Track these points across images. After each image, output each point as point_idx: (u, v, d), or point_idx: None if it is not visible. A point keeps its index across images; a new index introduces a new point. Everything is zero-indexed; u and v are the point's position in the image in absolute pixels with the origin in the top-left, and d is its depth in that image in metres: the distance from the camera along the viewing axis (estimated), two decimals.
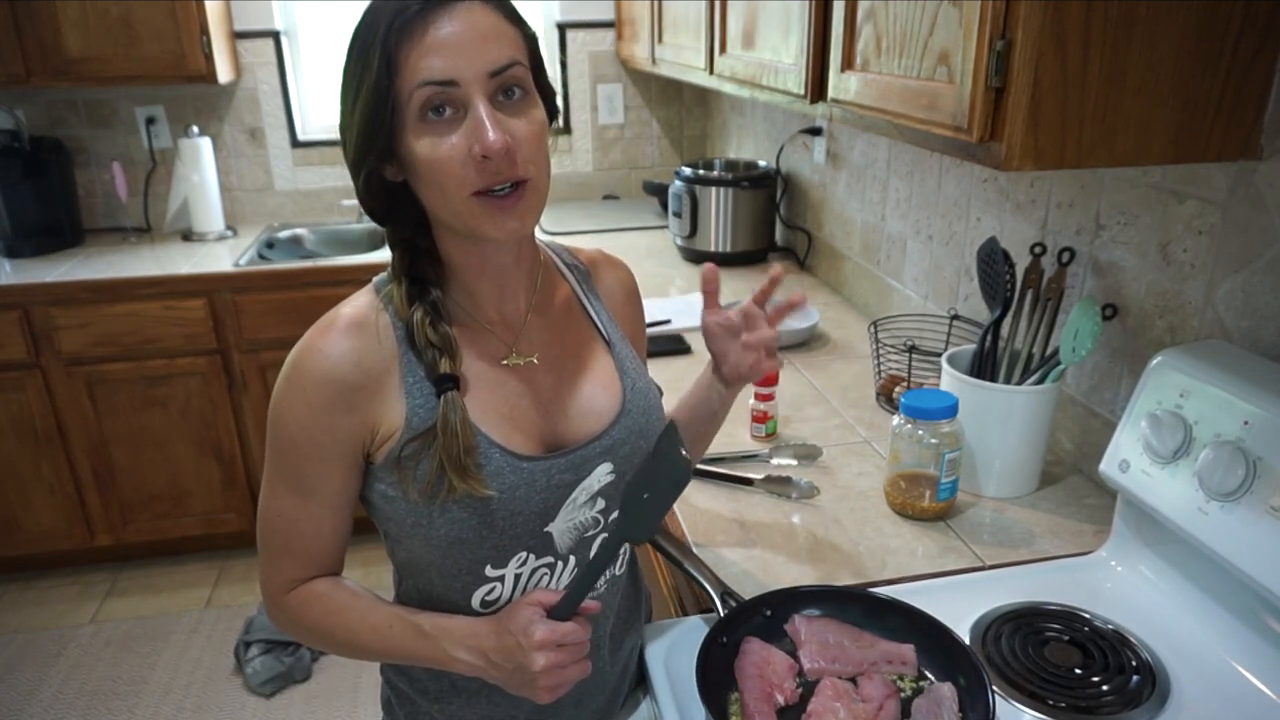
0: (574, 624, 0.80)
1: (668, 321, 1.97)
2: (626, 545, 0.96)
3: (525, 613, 0.81)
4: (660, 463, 0.80)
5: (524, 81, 0.80)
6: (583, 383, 0.93)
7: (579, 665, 0.82)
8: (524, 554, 0.88)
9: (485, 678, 0.85)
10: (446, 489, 0.82)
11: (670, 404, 1.07)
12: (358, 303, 0.86)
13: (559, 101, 0.89)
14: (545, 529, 0.88)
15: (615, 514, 0.93)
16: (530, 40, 0.82)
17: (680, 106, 3.37)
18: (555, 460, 0.88)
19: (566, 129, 3.30)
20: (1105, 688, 0.90)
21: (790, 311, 1.00)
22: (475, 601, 0.89)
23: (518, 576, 0.89)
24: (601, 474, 0.90)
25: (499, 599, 0.90)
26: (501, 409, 0.87)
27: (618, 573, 0.97)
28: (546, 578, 0.90)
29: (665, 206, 2.70)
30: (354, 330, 0.83)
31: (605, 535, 0.92)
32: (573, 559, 0.91)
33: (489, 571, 0.88)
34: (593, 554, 0.91)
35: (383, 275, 0.89)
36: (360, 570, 2.74)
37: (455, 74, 0.75)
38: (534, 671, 0.79)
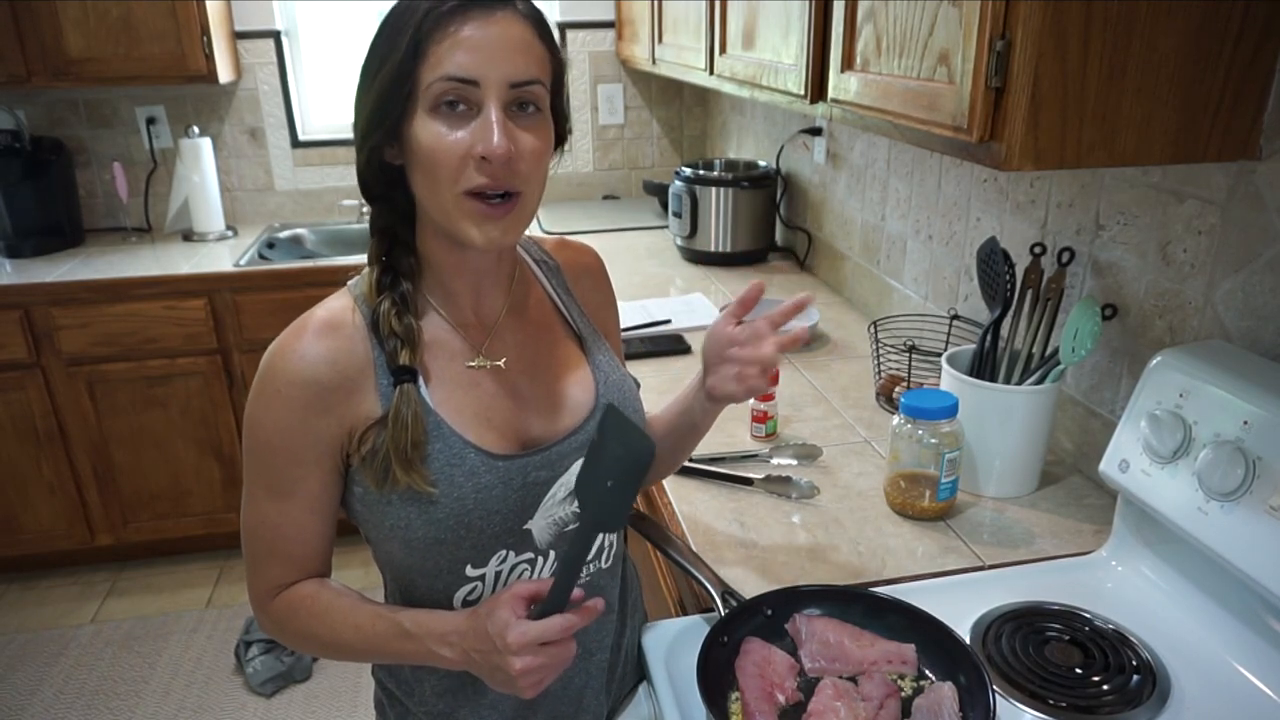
0: (552, 621, 0.76)
1: (668, 321, 1.97)
2: (604, 535, 0.95)
3: (502, 614, 0.78)
4: (614, 448, 0.76)
5: (540, 100, 0.81)
6: (555, 381, 0.94)
7: (561, 651, 0.78)
8: (504, 552, 0.89)
9: (470, 670, 0.83)
10: (390, 481, 0.82)
11: (662, 404, 1.07)
12: (331, 305, 0.86)
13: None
14: (524, 526, 0.89)
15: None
16: (558, 65, 0.84)
17: (680, 106, 3.37)
18: (530, 458, 0.88)
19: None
20: (1105, 687, 0.90)
21: (797, 313, 0.95)
22: (457, 601, 0.90)
23: (498, 574, 0.90)
24: (579, 469, 0.90)
25: (480, 598, 0.90)
26: (476, 409, 0.88)
27: (604, 565, 0.97)
28: (527, 573, 0.91)
29: (665, 206, 2.70)
30: (328, 331, 0.83)
31: (574, 526, 0.90)
32: (552, 554, 0.92)
33: (469, 571, 0.88)
34: (568, 547, 0.89)
35: (356, 278, 0.90)
36: (360, 570, 2.73)
37: (478, 74, 0.76)
38: (512, 673, 0.77)
